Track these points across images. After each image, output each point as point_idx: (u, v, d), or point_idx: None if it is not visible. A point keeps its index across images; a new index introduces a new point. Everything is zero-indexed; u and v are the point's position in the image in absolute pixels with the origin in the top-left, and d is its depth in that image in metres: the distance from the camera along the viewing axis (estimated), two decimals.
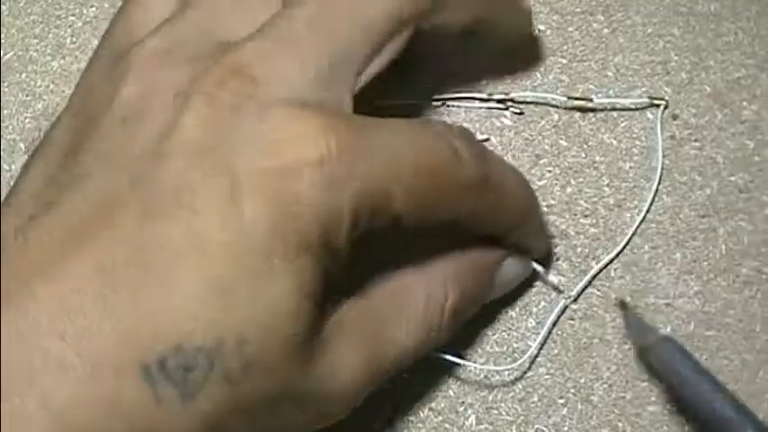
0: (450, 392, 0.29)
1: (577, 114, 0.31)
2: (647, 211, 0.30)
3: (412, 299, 0.26)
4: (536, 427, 0.29)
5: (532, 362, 0.29)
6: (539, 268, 0.29)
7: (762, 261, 0.30)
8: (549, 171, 0.31)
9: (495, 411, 0.29)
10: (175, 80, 0.23)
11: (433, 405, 0.29)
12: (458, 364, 0.29)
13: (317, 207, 0.22)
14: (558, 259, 0.30)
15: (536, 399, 0.29)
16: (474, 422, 0.29)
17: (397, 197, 0.23)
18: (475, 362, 0.29)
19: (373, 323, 0.25)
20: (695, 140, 0.31)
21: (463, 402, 0.29)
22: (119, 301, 0.21)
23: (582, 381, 0.29)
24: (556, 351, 0.29)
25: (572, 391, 0.29)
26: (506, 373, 0.29)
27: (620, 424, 0.29)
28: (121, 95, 0.24)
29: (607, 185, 0.30)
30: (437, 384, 0.29)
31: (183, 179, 0.22)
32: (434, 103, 0.31)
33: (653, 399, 0.29)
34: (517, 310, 0.30)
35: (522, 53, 0.31)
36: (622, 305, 0.29)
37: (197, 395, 0.21)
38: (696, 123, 0.31)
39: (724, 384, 0.26)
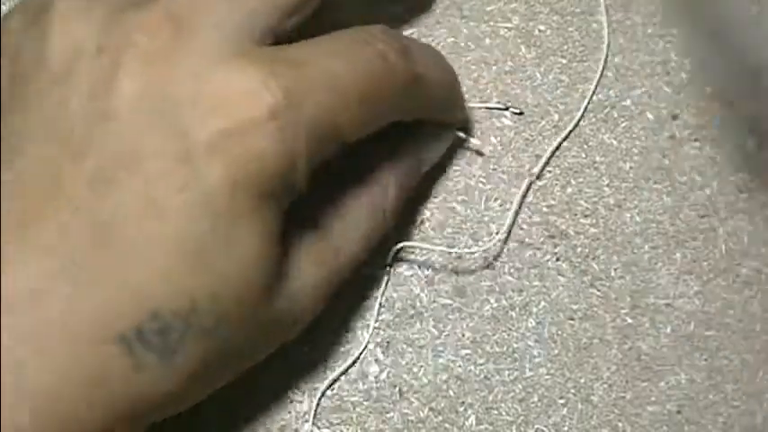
0: (451, 392, 0.29)
1: (578, 114, 0.31)
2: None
3: (357, 212, 0.27)
4: (536, 427, 0.29)
5: (531, 360, 0.29)
6: (462, 135, 0.30)
7: (762, 261, 0.30)
8: (549, 171, 0.31)
9: (495, 411, 0.29)
10: (103, 33, 0.22)
11: (433, 405, 0.29)
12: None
13: (275, 158, 0.22)
14: (558, 259, 0.30)
15: (536, 399, 0.29)
16: (474, 422, 0.29)
17: (344, 122, 0.23)
18: (475, 362, 0.29)
19: (326, 242, 0.26)
20: (695, 140, 0.31)
21: (463, 402, 0.29)
22: (88, 277, 0.21)
23: (582, 381, 0.29)
24: (556, 351, 0.29)
25: (572, 391, 0.29)
26: (506, 373, 0.29)
27: (620, 424, 0.29)
28: (48, 54, 0.22)
29: (607, 185, 0.30)
30: (437, 384, 0.29)
31: (129, 143, 0.21)
32: None
33: (653, 399, 0.29)
34: (517, 310, 0.30)
35: None
36: None
37: (175, 356, 0.22)
38: (696, 123, 0.31)
39: None
